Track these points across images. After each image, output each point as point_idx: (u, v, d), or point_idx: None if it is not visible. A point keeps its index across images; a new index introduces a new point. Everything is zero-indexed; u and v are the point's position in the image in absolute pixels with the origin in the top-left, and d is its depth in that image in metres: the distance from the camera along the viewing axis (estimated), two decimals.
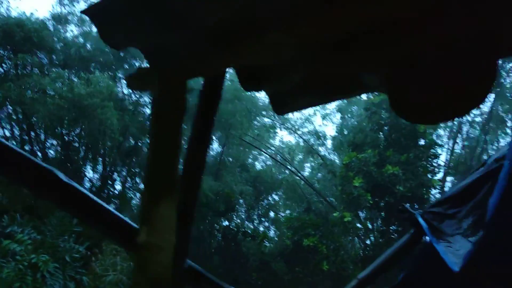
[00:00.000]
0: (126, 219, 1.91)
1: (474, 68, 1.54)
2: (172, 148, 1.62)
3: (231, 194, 16.94)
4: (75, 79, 16.79)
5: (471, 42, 1.56)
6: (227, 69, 2.19)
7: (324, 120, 19.04)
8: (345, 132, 16.93)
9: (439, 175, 15.59)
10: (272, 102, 2.46)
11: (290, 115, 19.26)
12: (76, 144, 17.35)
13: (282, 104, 2.50)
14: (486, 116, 17.46)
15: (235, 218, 18.69)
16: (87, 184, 17.56)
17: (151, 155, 1.58)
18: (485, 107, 17.47)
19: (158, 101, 1.65)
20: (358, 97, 17.23)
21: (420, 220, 3.66)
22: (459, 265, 3.18)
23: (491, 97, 17.14)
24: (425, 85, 1.52)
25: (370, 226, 14.96)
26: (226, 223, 18.01)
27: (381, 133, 14.37)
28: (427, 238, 3.91)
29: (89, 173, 17.89)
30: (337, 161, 18.56)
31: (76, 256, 9.85)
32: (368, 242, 14.71)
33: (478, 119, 17.93)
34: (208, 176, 18.64)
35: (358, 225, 15.12)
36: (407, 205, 3.78)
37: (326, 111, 19.17)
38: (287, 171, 20.47)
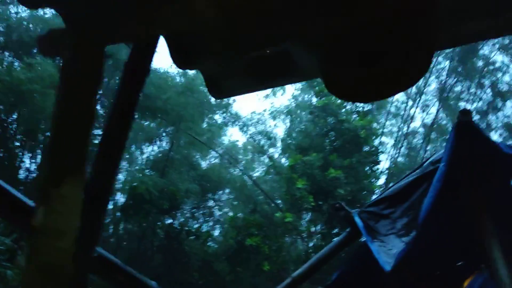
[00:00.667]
0: (25, 198, 1.70)
1: (408, 53, 1.49)
2: (81, 121, 1.44)
3: (176, 192, 16.59)
4: (16, 63, 15.83)
5: (407, 27, 1.49)
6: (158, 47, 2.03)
7: (275, 121, 19.10)
8: (293, 135, 17.06)
9: (381, 181, 16.07)
10: (208, 84, 2.33)
11: (242, 113, 19.21)
12: (12, 132, 16.36)
13: (218, 87, 2.37)
14: (428, 126, 18.21)
15: (179, 217, 18.33)
16: (23, 174, 16.61)
17: (54, 126, 1.39)
18: (429, 118, 18.23)
19: (68, 66, 1.47)
20: (307, 101, 17.42)
21: (357, 219, 3.66)
22: (391, 264, 3.19)
23: (435, 107, 17.89)
24: (358, 65, 1.45)
25: (313, 228, 15.14)
26: (169, 221, 17.61)
27: (326, 138, 14.60)
28: (363, 237, 3.93)
29: (26, 162, 16.92)
30: (286, 163, 18.70)
31: (1, 249, 9.21)
32: (310, 244, 14.88)
33: (421, 129, 18.67)
34: (153, 172, 18.16)
35: (302, 227, 15.27)
36: (343, 203, 3.76)
37: (277, 114, 19.23)
38: (235, 171, 20.37)
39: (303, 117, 16.58)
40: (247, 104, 18.75)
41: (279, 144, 18.87)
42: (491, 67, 17.15)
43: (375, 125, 16.09)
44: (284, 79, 2.26)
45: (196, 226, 18.43)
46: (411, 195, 3.72)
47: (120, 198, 17.88)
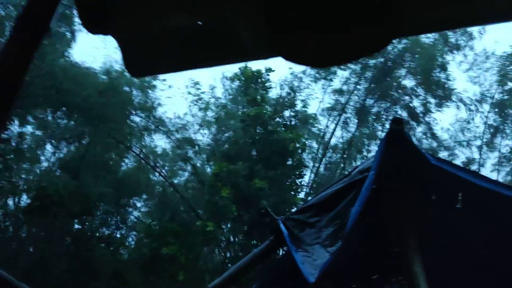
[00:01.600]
0: None
1: (367, 26, 1.28)
2: None
3: (89, 195, 15.50)
4: None
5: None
6: None
7: (202, 128, 18.64)
8: (220, 143, 16.78)
9: (302, 194, 16.27)
10: (125, 57, 1.96)
11: (166, 117, 18.48)
12: None
13: (137, 63, 2.01)
14: (347, 142, 18.86)
15: (90, 222, 17.15)
16: None
17: None
18: (348, 134, 18.89)
19: None
20: (236, 111, 17.24)
21: (282, 226, 3.44)
22: (315, 276, 2.99)
23: (354, 123, 18.60)
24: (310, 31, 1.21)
25: (232, 238, 14.88)
26: (79, 226, 16.41)
27: (254, 147, 14.52)
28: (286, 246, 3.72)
29: None
30: (209, 171, 18.28)
31: None
32: (228, 254, 14.60)
33: (340, 145, 19.28)
34: (65, 173, 16.86)
35: (222, 237, 14.96)
36: (269, 209, 3.53)
37: (204, 121, 18.80)
38: (155, 177, 19.58)
39: (232, 125, 16.39)
40: (172, 108, 18.21)
41: (203, 151, 18.45)
42: (404, 89, 18.30)
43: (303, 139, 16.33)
44: (219, 57, 1.95)
45: (108, 232, 17.36)
46: (337, 204, 3.57)
47: (25, 199, 16.38)
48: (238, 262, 3.54)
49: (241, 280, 3.56)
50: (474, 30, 17.55)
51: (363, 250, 4.54)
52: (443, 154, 17.96)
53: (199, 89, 17.55)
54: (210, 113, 18.35)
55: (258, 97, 14.10)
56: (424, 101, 18.05)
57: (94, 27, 1.68)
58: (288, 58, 1.35)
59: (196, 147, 18.02)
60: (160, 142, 19.54)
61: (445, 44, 17.64)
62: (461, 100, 18.02)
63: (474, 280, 4.60)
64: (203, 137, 18.30)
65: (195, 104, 17.94)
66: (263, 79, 14.64)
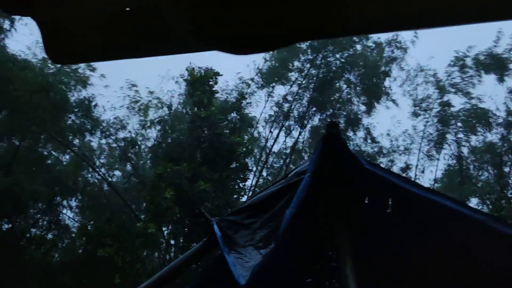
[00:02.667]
0: None
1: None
2: None
3: (21, 194, 14.63)
4: None
5: None
6: None
7: (143, 129, 18.11)
8: (164, 144, 16.41)
9: (245, 197, 16.26)
10: (46, 43, 1.82)
11: (105, 117, 17.81)
12: None
13: (60, 49, 1.87)
14: (290, 148, 19.18)
15: (20, 222, 16.17)
16: None
17: None
18: (290, 141, 19.23)
19: None
20: (184, 112, 16.97)
21: (215, 228, 3.37)
22: (246, 278, 2.95)
23: (297, 130, 18.96)
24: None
25: (172, 241, 14.58)
26: (8, 225, 15.43)
27: (199, 149, 14.34)
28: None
29: None
30: (151, 172, 17.82)
31: None
32: (168, 257, 14.28)
33: (283, 151, 19.56)
34: None
35: (162, 239, 14.62)
36: (204, 209, 3.44)
37: (148, 121, 18.30)
38: (93, 176, 18.82)
39: (177, 126, 16.10)
40: (112, 106, 17.59)
41: (146, 152, 17.99)
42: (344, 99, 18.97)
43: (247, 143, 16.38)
44: (150, 47, 1.84)
45: (40, 233, 16.45)
46: (273, 205, 3.56)
47: None
48: (172, 262, 3.42)
49: (172, 282, 3.44)
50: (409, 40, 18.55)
51: (298, 252, 4.58)
52: (381, 160, 18.73)
53: (137, 91, 17.24)
54: (154, 114, 17.94)
55: (206, 99, 13.96)
56: (362, 109, 18.78)
57: (10, 7, 1.54)
58: (212, 43, 1.29)
59: (137, 148, 17.53)
60: (100, 141, 18.85)
61: (381, 56, 18.48)
62: (397, 106, 18.97)
63: (405, 284, 4.76)
64: (145, 137, 17.85)
65: (134, 105, 17.52)
66: (210, 82, 14.53)
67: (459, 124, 18.61)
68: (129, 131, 17.94)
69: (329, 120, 18.80)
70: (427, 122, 18.88)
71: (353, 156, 3.35)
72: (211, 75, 14.61)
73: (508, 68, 17.73)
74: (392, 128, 19.40)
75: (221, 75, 14.86)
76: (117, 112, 17.71)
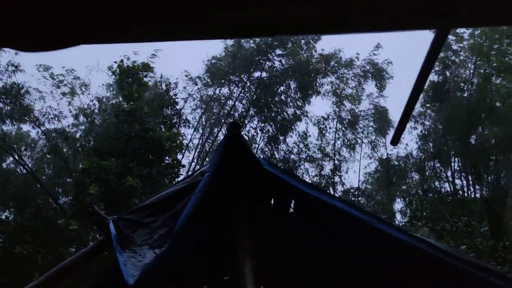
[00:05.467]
0: None
1: None
2: None
3: None
4: None
5: None
6: None
7: (74, 121, 17.33)
8: (91, 138, 15.80)
9: None
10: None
11: (36, 106, 16.86)
12: None
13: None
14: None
15: None
16: None
17: None
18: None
19: None
20: (112, 104, 16.42)
21: (111, 226, 3.28)
22: (136, 278, 2.90)
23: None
24: None
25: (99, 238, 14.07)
26: None
27: (129, 144, 13.94)
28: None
29: None
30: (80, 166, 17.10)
31: None
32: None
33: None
34: None
35: (88, 236, 14.08)
36: (96, 207, 3.35)
37: (77, 113, 17.50)
38: (17, 169, 17.78)
39: (106, 120, 15.55)
40: (42, 97, 16.60)
41: (75, 145, 17.24)
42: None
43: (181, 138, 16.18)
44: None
45: None
46: (175, 204, 3.52)
47: None
48: (63, 261, 3.29)
49: (63, 281, 3.31)
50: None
51: (208, 251, 4.58)
52: (306, 167, 19.33)
53: (62, 80, 16.52)
54: (82, 106, 17.21)
55: (135, 93, 13.58)
56: (298, 113, 19.21)
57: None
58: None
59: (69, 140, 16.74)
60: (27, 132, 17.85)
61: (322, 65, 19.05)
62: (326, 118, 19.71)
63: (308, 282, 4.90)
64: (74, 130, 17.10)
65: (65, 95, 16.76)
66: (140, 75, 14.16)
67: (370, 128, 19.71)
68: (60, 123, 17.15)
69: (266, 119, 19.10)
70: (342, 126, 19.80)
71: (254, 156, 3.38)
72: (140, 68, 14.24)
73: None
74: (322, 132, 20.04)
75: (151, 68, 14.54)
76: (48, 102, 16.87)
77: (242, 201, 3.57)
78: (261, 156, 19.86)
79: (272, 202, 3.89)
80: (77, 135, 16.85)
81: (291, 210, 3.80)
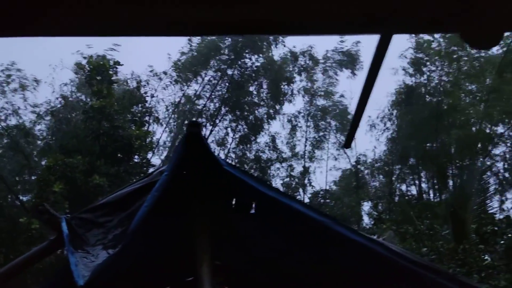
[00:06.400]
0: None
1: None
2: None
3: None
4: None
5: None
6: None
7: (37, 118, 16.79)
8: (58, 135, 15.35)
9: None
10: None
11: None
12: None
13: None
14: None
15: None
16: None
17: None
18: None
19: None
20: (79, 100, 16.05)
21: (64, 225, 3.19)
22: (86, 278, 2.82)
23: (208, 129, 18.92)
24: None
25: None
26: None
27: (97, 142, 13.63)
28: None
29: None
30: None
31: None
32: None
33: None
34: None
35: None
36: (48, 205, 3.25)
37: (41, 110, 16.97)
38: None
39: (73, 117, 15.17)
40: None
41: (39, 142, 16.75)
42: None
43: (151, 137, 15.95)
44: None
45: None
46: (132, 204, 3.46)
47: None
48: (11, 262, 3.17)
49: (11, 281, 3.19)
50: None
51: (169, 252, 4.52)
52: (283, 165, 19.38)
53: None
54: (49, 101, 16.74)
55: (105, 89, 13.27)
56: (269, 114, 19.27)
57: None
58: None
59: (30, 137, 16.23)
60: None
61: (293, 64, 19.16)
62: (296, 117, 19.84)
63: (271, 283, 4.90)
64: (38, 127, 16.61)
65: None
66: (109, 72, 13.84)
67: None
68: (22, 119, 16.61)
69: (237, 118, 19.07)
70: (308, 126, 20.00)
71: (213, 156, 3.35)
72: (109, 64, 13.93)
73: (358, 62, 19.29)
74: (293, 132, 20.16)
75: (122, 65, 14.27)
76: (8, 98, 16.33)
77: (202, 201, 3.54)
78: (233, 156, 19.89)
79: (234, 203, 3.87)
80: (42, 133, 16.38)
81: (253, 211, 3.79)
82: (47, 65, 17.45)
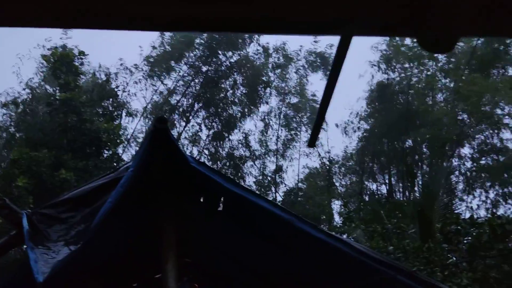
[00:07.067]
0: None
1: None
2: None
3: None
4: None
5: None
6: None
7: (2, 109, 16.20)
8: (23, 127, 14.85)
9: None
10: None
11: None
12: None
13: None
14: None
15: None
16: None
17: None
18: (175, 135, 18.92)
19: None
20: (47, 92, 15.61)
21: (24, 221, 3.10)
22: (46, 275, 2.76)
23: (181, 126, 18.76)
24: None
25: None
26: None
27: (64, 135, 13.29)
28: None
29: None
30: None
31: None
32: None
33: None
34: None
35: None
36: (8, 200, 3.16)
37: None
38: None
39: (40, 109, 14.74)
40: None
41: (4, 134, 16.19)
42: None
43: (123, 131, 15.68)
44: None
45: None
46: (97, 199, 3.39)
47: None
48: None
49: None
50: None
51: (135, 248, 4.46)
52: (250, 164, 19.46)
53: None
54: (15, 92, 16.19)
55: (71, 82, 12.94)
56: (243, 112, 19.27)
57: None
58: None
59: None
60: None
61: (268, 61, 19.21)
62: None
63: (239, 279, 4.91)
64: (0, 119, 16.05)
65: None
66: (74, 63, 13.52)
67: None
68: None
69: (211, 115, 19.00)
70: (280, 125, 20.15)
71: (180, 153, 3.32)
72: (75, 55, 13.59)
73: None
74: (266, 129, 20.23)
75: (87, 54, 13.94)
76: None
77: (169, 198, 3.50)
78: (206, 153, 19.80)
79: (202, 200, 3.85)
80: (5, 123, 15.82)
81: (220, 208, 3.77)
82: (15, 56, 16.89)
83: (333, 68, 1.63)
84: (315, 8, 1.26)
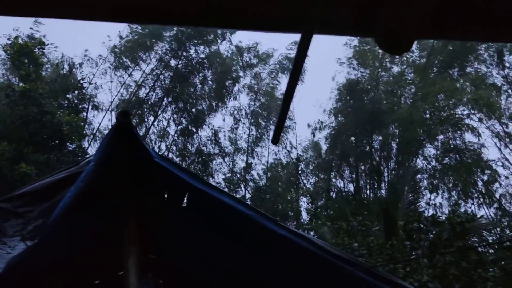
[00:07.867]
0: None
1: None
2: None
3: None
4: None
5: None
6: None
7: None
8: None
9: None
10: None
11: None
12: None
13: None
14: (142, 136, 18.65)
15: None
16: None
17: None
18: (142, 129, 18.63)
19: None
20: (7, 84, 15.08)
21: None
22: (1, 270, 2.67)
23: (150, 120, 18.50)
24: None
25: None
26: None
27: (25, 128, 12.87)
28: None
29: None
30: None
31: None
32: None
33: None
34: None
35: None
36: None
37: None
38: None
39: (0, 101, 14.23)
40: None
41: None
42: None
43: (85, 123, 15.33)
44: None
45: None
46: (56, 194, 3.29)
47: None
48: None
49: None
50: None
51: (98, 245, 4.37)
52: (219, 161, 19.41)
53: None
54: None
55: (32, 73, 12.52)
56: (211, 108, 19.20)
57: None
58: None
59: None
60: None
61: (240, 59, 19.21)
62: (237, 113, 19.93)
63: (204, 277, 4.89)
64: None
65: None
66: (35, 54, 13.08)
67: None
68: None
69: (180, 110, 18.81)
70: (250, 122, 20.27)
71: (143, 147, 3.27)
72: (35, 44, 13.16)
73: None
74: (236, 126, 20.27)
75: (47, 45, 13.54)
76: None
77: (131, 193, 3.45)
78: (174, 149, 19.59)
79: (166, 195, 3.80)
80: None
81: (185, 204, 3.74)
82: None
83: (294, 65, 1.63)
84: (271, 5, 1.26)
